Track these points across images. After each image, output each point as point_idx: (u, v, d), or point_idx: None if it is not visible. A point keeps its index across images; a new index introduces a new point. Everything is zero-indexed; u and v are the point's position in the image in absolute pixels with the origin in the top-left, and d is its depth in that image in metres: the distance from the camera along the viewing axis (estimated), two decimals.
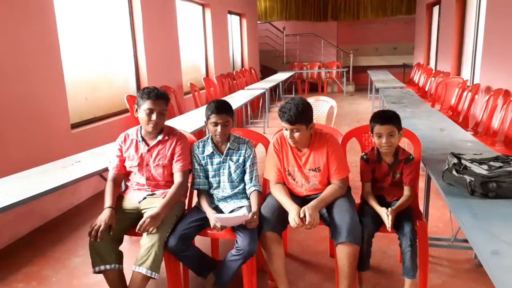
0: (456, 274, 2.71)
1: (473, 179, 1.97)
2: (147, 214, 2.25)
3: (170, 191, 2.43)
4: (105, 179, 2.55)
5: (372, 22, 14.62)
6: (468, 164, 2.07)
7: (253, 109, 8.69)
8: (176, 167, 2.50)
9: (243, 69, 11.21)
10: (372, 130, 2.46)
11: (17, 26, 3.49)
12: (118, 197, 2.51)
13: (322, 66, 13.14)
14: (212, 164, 2.55)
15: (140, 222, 2.21)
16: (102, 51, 5.08)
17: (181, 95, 7.00)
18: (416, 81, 10.10)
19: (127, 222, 2.40)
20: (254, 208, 2.37)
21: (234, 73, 9.94)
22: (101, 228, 2.19)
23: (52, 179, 2.42)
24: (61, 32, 4.06)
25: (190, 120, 4.34)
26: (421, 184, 2.81)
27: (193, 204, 2.67)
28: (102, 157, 2.84)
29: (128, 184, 2.62)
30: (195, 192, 2.62)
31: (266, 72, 12.78)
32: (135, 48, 5.81)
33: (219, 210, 2.48)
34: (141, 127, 2.52)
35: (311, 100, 4.37)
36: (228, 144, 2.53)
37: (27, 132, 3.59)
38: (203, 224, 2.39)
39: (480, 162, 2.07)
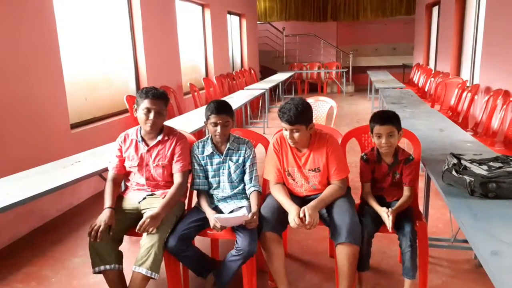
0: (456, 274, 2.71)
1: (472, 179, 1.97)
2: (147, 214, 2.25)
3: (170, 191, 2.43)
4: (105, 179, 2.55)
5: (372, 23, 14.63)
6: (467, 164, 2.08)
7: (253, 110, 8.69)
8: (176, 168, 2.50)
9: (242, 69, 11.21)
10: (372, 130, 2.47)
11: (16, 26, 3.49)
12: (118, 197, 2.51)
13: (321, 67, 13.14)
14: (211, 165, 2.55)
15: (140, 222, 2.21)
16: (101, 51, 5.08)
17: (180, 95, 7.00)
18: (416, 82, 10.11)
19: (127, 222, 2.40)
20: (254, 208, 2.37)
21: (234, 74, 9.95)
22: (101, 228, 2.19)
23: (52, 179, 2.42)
24: (60, 32, 4.05)
25: (190, 120, 4.34)
26: (421, 184, 2.81)
27: (193, 204, 2.67)
28: (101, 157, 2.84)
29: (128, 184, 2.62)
30: (195, 192, 2.62)
31: (265, 72, 12.79)
32: (134, 48, 5.81)
33: (219, 211, 2.48)
34: (141, 127, 2.52)
35: (310, 100, 4.37)
36: (228, 144, 2.53)
37: (27, 132, 3.59)
38: (203, 224, 2.39)
39: (480, 162, 2.08)
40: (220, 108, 2.45)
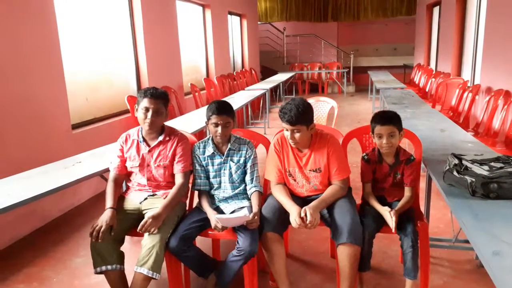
0: (457, 274, 2.71)
1: (474, 179, 1.97)
2: (148, 214, 2.26)
3: (171, 191, 2.43)
4: (106, 180, 2.56)
5: (372, 23, 14.62)
6: (469, 164, 2.07)
7: (254, 110, 8.70)
8: (177, 168, 2.50)
9: (243, 69, 11.21)
10: (373, 130, 2.46)
11: (17, 26, 3.50)
12: (119, 198, 2.51)
13: (322, 67, 13.15)
14: (213, 165, 2.55)
15: (142, 223, 2.21)
16: (102, 52, 5.08)
17: (181, 95, 7.01)
18: (417, 82, 10.10)
19: (128, 222, 2.40)
20: (255, 208, 2.37)
21: (235, 74, 9.95)
22: (102, 229, 2.20)
23: (53, 179, 2.42)
24: (61, 32, 4.06)
25: (191, 121, 4.34)
26: (422, 184, 2.82)
27: (194, 204, 2.68)
28: (102, 158, 2.85)
29: (129, 184, 2.62)
30: (196, 192, 2.63)
31: (266, 72, 12.79)
32: (135, 48, 5.82)
33: (220, 211, 2.48)
34: (142, 127, 2.53)
35: (311, 100, 4.38)
36: (229, 144, 2.53)
37: (28, 133, 3.59)
38: (204, 224, 2.39)
39: (481, 162, 2.08)
40: (221, 109, 2.45)
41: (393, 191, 2.53)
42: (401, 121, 2.47)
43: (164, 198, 2.42)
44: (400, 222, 2.29)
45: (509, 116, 4.52)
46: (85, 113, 4.66)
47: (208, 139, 2.59)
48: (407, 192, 2.47)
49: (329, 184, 2.49)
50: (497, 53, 5.76)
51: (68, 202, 4.08)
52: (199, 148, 2.58)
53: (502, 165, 2.03)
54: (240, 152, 2.54)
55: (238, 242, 2.26)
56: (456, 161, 2.15)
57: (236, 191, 2.55)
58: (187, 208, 2.65)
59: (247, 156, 2.54)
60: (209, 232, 2.40)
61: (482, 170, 1.99)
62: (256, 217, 2.27)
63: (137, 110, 2.47)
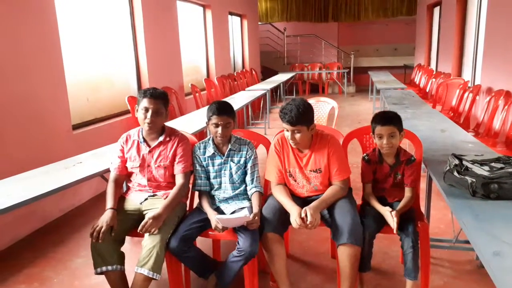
0: (457, 275, 2.71)
1: (474, 180, 1.97)
2: (148, 215, 2.26)
3: (172, 192, 2.43)
4: (107, 180, 2.56)
5: (373, 23, 14.62)
6: (469, 165, 2.07)
7: (254, 110, 8.70)
8: (178, 169, 2.50)
9: (244, 70, 11.21)
10: (373, 131, 2.46)
11: (18, 26, 3.50)
12: (120, 198, 2.51)
13: (323, 67, 13.15)
14: (213, 165, 2.55)
15: (142, 223, 2.21)
16: (103, 52, 5.09)
17: (182, 96, 7.01)
18: (417, 82, 10.10)
19: (128, 223, 2.41)
20: (255, 209, 2.37)
21: (235, 74, 9.95)
22: (102, 229, 2.20)
23: (54, 180, 2.42)
24: (62, 33, 4.07)
25: (191, 121, 4.34)
26: (423, 185, 2.82)
27: (195, 205, 2.68)
28: (103, 158, 2.85)
29: (130, 185, 2.62)
30: (197, 193, 2.63)
31: (267, 73, 12.79)
32: (136, 49, 5.82)
33: (220, 211, 2.48)
34: (142, 128, 2.53)
35: (312, 101, 4.37)
36: (229, 145, 2.53)
37: (28, 133, 3.60)
38: (204, 225, 2.39)
39: (482, 163, 2.07)
40: (222, 109, 2.45)
41: (394, 191, 2.53)
42: (402, 121, 2.47)
43: (165, 199, 2.42)
44: (400, 223, 2.29)
45: (509, 116, 4.52)
46: (85, 114, 4.66)
47: (209, 139, 2.59)
48: (407, 192, 2.47)
49: (330, 184, 2.49)
50: (497, 53, 5.76)
51: (68, 202, 4.09)
52: (199, 149, 2.58)
53: (502, 165, 2.03)
54: (241, 152, 2.54)
55: (238, 243, 2.26)
56: (457, 162, 2.15)
57: (237, 191, 2.55)
58: (187, 208, 2.65)
59: (248, 157, 2.54)
60: (210, 232, 2.40)
61: (483, 171, 1.99)
62: (256, 218, 2.27)
63: (137, 110, 2.47)
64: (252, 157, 2.55)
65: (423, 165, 2.60)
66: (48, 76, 3.86)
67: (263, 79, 11.21)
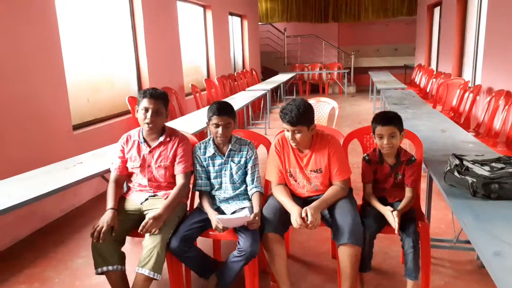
0: (458, 275, 2.70)
1: (475, 180, 1.97)
2: (149, 215, 2.26)
3: (172, 192, 2.44)
4: (107, 181, 2.56)
5: (373, 23, 14.62)
6: (470, 165, 2.07)
7: (254, 110, 8.70)
8: (178, 169, 2.50)
9: (244, 70, 11.22)
10: (374, 131, 2.47)
11: (18, 26, 3.50)
12: (120, 199, 2.51)
13: (323, 67, 13.14)
14: (213, 166, 2.55)
15: (143, 223, 2.21)
16: (103, 52, 5.09)
17: (182, 96, 7.01)
18: (417, 82, 10.10)
19: (129, 223, 2.41)
20: (256, 209, 2.37)
21: (235, 74, 9.96)
22: (103, 230, 2.20)
23: (54, 180, 2.42)
24: (62, 33, 4.07)
25: (192, 121, 4.34)
26: (423, 185, 2.82)
27: (195, 205, 2.68)
28: (103, 159, 2.85)
29: (130, 185, 2.62)
30: (197, 193, 2.63)
31: (267, 73, 12.80)
32: (136, 49, 5.82)
33: (221, 211, 2.48)
34: (142, 128, 2.53)
35: (312, 101, 4.37)
36: (230, 145, 2.53)
37: (29, 133, 3.60)
38: (205, 225, 2.39)
39: (482, 163, 2.07)
40: (222, 109, 2.45)
41: (394, 191, 2.53)
42: (402, 121, 2.47)
43: (165, 199, 2.42)
44: (401, 223, 2.29)
45: (510, 116, 4.52)
46: (86, 114, 4.66)
47: (209, 139, 2.59)
48: (408, 192, 2.46)
49: (330, 184, 2.49)
50: (498, 53, 5.76)
51: (69, 202, 4.09)
52: (200, 149, 2.58)
53: (503, 165, 2.03)
54: (241, 152, 2.54)
55: (239, 243, 2.26)
56: (457, 162, 2.15)
57: (237, 191, 2.55)
58: (188, 208, 2.65)
59: (248, 157, 2.54)
60: (210, 232, 2.40)
61: (483, 171, 1.99)
62: (257, 218, 2.27)
63: (137, 111, 2.47)
64: (253, 157, 2.55)
65: (423, 165, 2.60)
66: (48, 76, 3.87)
67: (264, 79, 11.21)
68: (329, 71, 12.85)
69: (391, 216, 2.27)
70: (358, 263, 2.25)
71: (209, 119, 2.48)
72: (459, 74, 8.18)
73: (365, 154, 2.59)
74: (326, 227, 2.42)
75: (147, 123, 2.41)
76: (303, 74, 12.85)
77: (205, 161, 2.56)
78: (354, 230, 2.21)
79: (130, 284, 2.29)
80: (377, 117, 2.47)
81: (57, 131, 3.96)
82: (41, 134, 3.75)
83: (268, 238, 2.28)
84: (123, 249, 2.37)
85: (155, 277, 2.16)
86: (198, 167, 2.56)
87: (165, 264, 2.26)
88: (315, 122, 2.44)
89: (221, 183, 2.56)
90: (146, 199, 2.51)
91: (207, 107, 2.58)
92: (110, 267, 2.25)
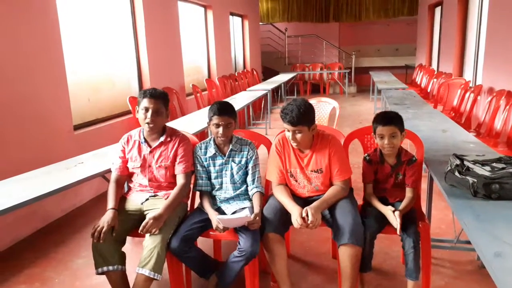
0: (458, 275, 2.70)
1: (475, 180, 1.96)
2: (149, 215, 2.26)
3: (173, 192, 2.44)
4: (108, 181, 2.56)
5: (374, 23, 14.62)
6: (470, 165, 2.07)
7: (255, 111, 8.70)
8: (179, 169, 2.50)
9: (245, 70, 11.22)
10: (375, 131, 2.46)
11: (19, 26, 3.51)
12: (121, 199, 2.51)
13: (324, 67, 13.15)
14: (214, 166, 2.55)
15: (143, 223, 2.21)
16: (104, 52, 5.09)
17: (183, 96, 7.01)
18: (418, 82, 10.09)
19: (129, 223, 2.41)
20: (256, 209, 2.37)
21: (236, 75, 9.96)
22: (103, 230, 2.20)
23: (55, 180, 2.43)
24: (63, 33, 4.07)
25: (192, 122, 4.34)
26: (424, 185, 2.82)
27: (196, 205, 2.68)
28: (104, 159, 2.85)
29: (131, 185, 2.62)
30: (198, 193, 2.63)
31: (268, 73, 12.80)
32: (137, 49, 5.82)
33: (221, 212, 2.48)
34: (143, 128, 2.53)
35: (313, 101, 4.35)
36: (231, 145, 2.53)
37: (30, 133, 3.60)
38: (205, 225, 2.39)
39: (483, 163, 2.07)
40: (223, 109, 2.45)
41: (395, 191, 2.53)
42: (403, 121, 2.46)
43: (166, 199, 2.42)
44: (402, 223, 2.29)
45: (511, 116, 4.51)
46: (87, 114, 4.67)
47: (210, 140, 2.59)
48: (408, 193, 2.46)
49: (331, 184, 2.49)
50: (499, 53, 5.75)
51: (69, 202, 4.09)
52: (200, 149, 2.58)
53: (504, 165, 2.02)
54: (242, 153, 2.54)
55: (239, 243, 2.26)
56: (458, 162, 2.15)
57: (238, 191, 2.55)
58: (188, 208, 2.65)
59: (249, 157, 2.54)
60: (211, 232, 2.40)
61: (484, 171, 1.98)
62: (257, 218, 2.27)
63: (137, 111, 2.47)
64: (253, 158, 2.55)
65: (424, 165, 2.60)
66: (49, 76, 3.87)
67: (264, 79, 11.22)
68: (330, 71, 12.85)
69: (393, 216, 2.27)
70: (359, 263, 2.25)
71: (210, 119, 2.48)
72: (460, 74, 8.17)
73: (366, 154, 2.59)
74: (327, 227, 2.42)
75: (148, 123, 2.41)
76: (304, 74, 12.85)
77: (206, 161, 2.56)
78: (355, 230, 2.21)
79: (131, 284, 2.29)
80: (378, 117, 2.47)
81: (58, 131, 3.97)
82: (42, 134, 3.75)
83: (269, 238, 2.28)
84: (124, 249, 2.37)
85: (155, 277, 2.16)
86: (199, 167, 2.56)
87: (166, 264, 2.26)
88: (316, 122, 2.44)
89: (221, 183, 2.56)
90: (147, 199, 2.51)
91: (208, 107, 2.58)
92: (110, 267, 2.25)
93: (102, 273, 2.26)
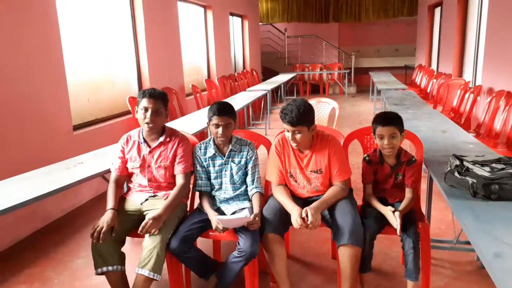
0: (458, 276, 2.70)
1: (475, 181, 1.97)
2: (149, 215, 2.26)
3: (172, 192, 2.44)
4: (107, 181, 2.56)
5: (374, 24, 14.63)
6: (470, 166, 2.07)
7: (255, 111, 8.70)
8: (178, 169, 2.50)
9: (244, 70, 11.22)
10: (374, 131, 2.47)
11: (19, 27, 3.51)
12: (120, 199, 2.51)
13: (323, 68, 13.14)
14: (214, 166, 2.55)
15: (142, 224, 2.21)
16: (104, 53, 5.09)
17: (183, 96, 7.01)
18: (418, 83, 10.10)
19: (129, 223, 2.41)
20: (256, 209, 2.37)
21: (236, 75, 9.96)
22: (103, 230, 2.20)
23: (55, 180, 2.43)
24: (63, 33, 4.07)
25: (192, 122, 4.34)
26: (423, 186, 2.81)
27: (195, 205, 2.68)
28: (104, 159, 2.85)
29: (130, 185, 2.62)
30: (197, 193, 2.63)
31: (267, 73, 12.80)
32: (137, 49, 5.82)
33: (221, 212, 2.48)
34: (142, 128, 2.53)
35: (312, 101, 4.37)
36: (230, 146, 2.53)
37: (29, 133, 3.60)
38: (205, 225, 2.39)
39: (482, 164, 2.07)
40: (222, 110, 2.45)
41: (394, 192, 2.53)
42: (403, 122, 2.47)
43: (165, 199, 2.42)
44: (401, 223, 2.29)
45: (510, 117, 4.51)
46: (86, 114, 4.67)
47: (210, 140, 2.59)
48: (408, 193, 2.46)
49: (330, 185, 2.49)
50: (498, 54, 5.75)
51: (69, 203, 4.09)
52: (200, 149, 2.58)
53: (503, 166, 2.02)
54: (241, 153, 2.54)
55: (239, 243, 2.26)
56: (457, 162, 2.15)
57: (237, 192, 2.55)
58: (188, 209, 2.65)
59: (248, 157, 2.54)
60: (210, 233, 2.40)
61: (484, 171, 1.99)
62: (257, 218, 2.27)
63: (137, 111, 2.47)
64: (253, 158, 2.55)
65: (424, 166, 2.60)
66: (49, 76, 3.87)
67: (264, 79, 11.22)
68: (329, 72, 12.85)
69: (393, 217, 2.27)
70: (358, 263, 2.25)
71: (210, 119, 2.48)
72: (460, 74, 8.18)
73: (366, 155, 2.59)
74: (326, 228, 2.42)
75: (147, 123, 2.41)
76: (303, 75, 12.85)
77: (205, 162, 2.56)
78: (354, 231, 2.21)
79: (130, 285, 2.29)
80: (377, 118, 2.47)
81: (58, 131, 3.97)
82: (42, 134, 3.75)
83: (268, 238, 2.28)
84: (123, 249, 2.37)
85: (155, 278, 2.16)
86: (198, 168, 2.56)
87: (165, 265, 2.26)
88: (316, 122, 2.44)
89: (221, 184, 2.56)
90: (146, 200, 2.51)
91: (207, 108, 2.58)
92: (110, 268, 2.25)
93: (102, 273, 2.26)
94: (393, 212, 2.29)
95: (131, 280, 2.27)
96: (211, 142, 2.56)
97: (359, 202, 2.60)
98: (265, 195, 2.61)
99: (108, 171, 2.60)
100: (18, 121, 3.48)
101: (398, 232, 2.23)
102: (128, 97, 5.15)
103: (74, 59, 4.40)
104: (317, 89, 13.13)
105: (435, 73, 9.28)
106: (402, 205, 2.38)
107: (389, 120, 2.42)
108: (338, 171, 2.43)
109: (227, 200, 2.55)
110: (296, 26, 14.47)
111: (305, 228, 2.22)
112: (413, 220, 2.33)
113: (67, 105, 4.13)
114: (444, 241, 3.04)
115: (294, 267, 2.87)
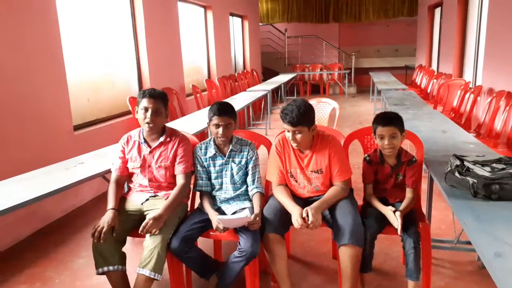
0: (459, 276, 2.70)
1: (475, 181, 1.97)
2: (149, 215, 2.26)
3: (173, 192, 2.44)
4: (108, 181, 2.56)
5: (374, 24, 14.63)
6: (470, 166, 2.07)
7: (255, 111, 8.71)
8: (179, 169, 2.50)
9: (245, 70, 11.22)
10: (375, 131, 2.47)
11: (19, 27, 3.51)
12: (121, 199, 2.51)
13: (324, 68, 13.14)
14: (214, 166, 2.56)
15: (143, 224, 2.21)
16: (104, 53, 5.09)
17: (183, 96, 7.01)
18: (418, 83, 10.10)
19: (130, 223, 2.41)
20: (256, 209, 2.37)
21: (236, 75, 9.96)
22: (104, 230, 2.20)
23: (55, 180, 2.43)
24: (63, 34, 4.07)
25: (192, 122, 4.34)
26: (424, 186, 2.82)
27: (196, 205, 2.68)
28: (104, 159, 2.85)
29: (131, 185, 2.63)
30: (198, 193, 2.63)
31: (268, 74, 12.81)
32: (137, 49, 5.83)
33: (221, 212, 2.48)
34: (143, 128, 2.53)
35: (313, 102, 4.35)
36: (231, 146, 2.53)
37: (30, 134, 3.60)
38: (205, 225, 2.39)
39: (483, 164, 2.07)
40: (223, 110, 2.45)
41: (395, 192, 2.53)
42: (403, 122, 2.47)
43: (166, 199, 2.42)
44: (402, 223, 2.29)
45: (511, 117, 4.51)
46: (87, 114, 4.67)
47: (210, 140, 2.59)
48: (408, 193, 2.46)
49: (331, 185, 2.49)
50: (498, 54, 5.75)
51: (70, 203, 4.09)
52: (200, 149, 2.58)
53: (504, 166, 2.02)
54: (242, 153, 2.55)
55: (239, 243, 2.26)
56: (458, 162, 2.15)
57: (238, 192, 2.55)
58: (188, 209, 2.65)
59: (249, 157, 2.54)
60: (211, 233, 2.41)
61: (484, 171, 1.99)
62: (257, 218, 2.27)
63: (137, 111, 2.48)
64: (253, 158, 2.55)
65: (424, 166, 2.60)
66: (49, 76, 3.87)
67: (264, 80, 11.22)
68: (329, 72, 12.85)
69: (393, 217, 2.27)
70: (359, 263, 2.25)
71: (210, 120, 2.48)
72: (460, 74, 8.18)
73: (366, 155, 2.59)
74: (327, 228, 2.42)
75: (147, 123, 2.42)
76: (303, 75, 12.86)
77: (206, 162, 2.56)
78: (355, 231, 2.21)
79: (131, 285, 2.29)
80: (378, 118, 2.47)
81: (58, 131, 3.97)
82: (42, 134, 3.75)
83: (269, 238, 2.28)
84: (124, 249, 2.37)
85: (155, 278, 2.16)
86: (199, 168, 2.56)
87: (166, 265, 2.26)
88: (316, 122, 2.44)
89: (221, 184, 2.57)
90: (147, 200, 2.52)
91: (207, 108, 2.58)
92: (110, 267, 2.25)
93: (103, 273, 2.27)
94: (394, 212, 2.29)
95: (132, 280, 2.27)
96: (212, 142, 2.56)
97: (360, 202, 2.60)
98: (266, 195, 2.61)
99: (109, 171, 2.60)
100: (18, 121, 3.48)
101: (398, 232, 2.23)
102: (128, 97, 5.16)
103: (75, 59, 4.40)
104: (317, 89, 13.13)
105: (435, 73, 9.28)
106: (402, 205, 2.38)
107: (389, 120, 2.42)
108: (339, 171, 2.43)
109: (227, 200, 2.55)
110: (296, 26, 14.47)
111: (305, 228, 2.22)
112: (413, 220, 2.33)
113: (68, 105, 4.13)
114: (444, 241, 3.04)
115: (295, 267, 2.87)
